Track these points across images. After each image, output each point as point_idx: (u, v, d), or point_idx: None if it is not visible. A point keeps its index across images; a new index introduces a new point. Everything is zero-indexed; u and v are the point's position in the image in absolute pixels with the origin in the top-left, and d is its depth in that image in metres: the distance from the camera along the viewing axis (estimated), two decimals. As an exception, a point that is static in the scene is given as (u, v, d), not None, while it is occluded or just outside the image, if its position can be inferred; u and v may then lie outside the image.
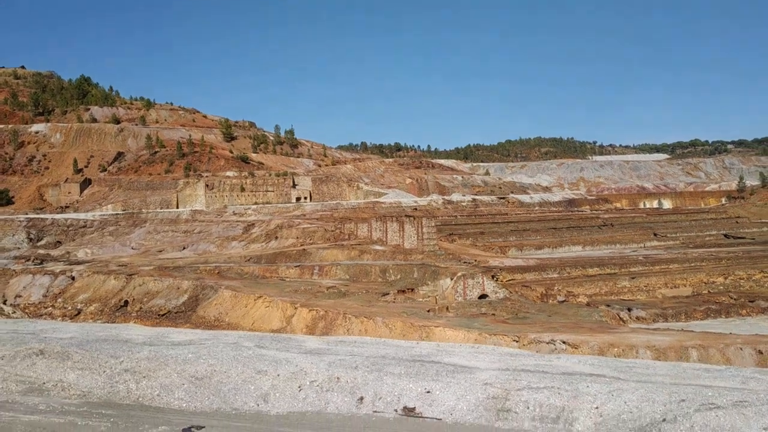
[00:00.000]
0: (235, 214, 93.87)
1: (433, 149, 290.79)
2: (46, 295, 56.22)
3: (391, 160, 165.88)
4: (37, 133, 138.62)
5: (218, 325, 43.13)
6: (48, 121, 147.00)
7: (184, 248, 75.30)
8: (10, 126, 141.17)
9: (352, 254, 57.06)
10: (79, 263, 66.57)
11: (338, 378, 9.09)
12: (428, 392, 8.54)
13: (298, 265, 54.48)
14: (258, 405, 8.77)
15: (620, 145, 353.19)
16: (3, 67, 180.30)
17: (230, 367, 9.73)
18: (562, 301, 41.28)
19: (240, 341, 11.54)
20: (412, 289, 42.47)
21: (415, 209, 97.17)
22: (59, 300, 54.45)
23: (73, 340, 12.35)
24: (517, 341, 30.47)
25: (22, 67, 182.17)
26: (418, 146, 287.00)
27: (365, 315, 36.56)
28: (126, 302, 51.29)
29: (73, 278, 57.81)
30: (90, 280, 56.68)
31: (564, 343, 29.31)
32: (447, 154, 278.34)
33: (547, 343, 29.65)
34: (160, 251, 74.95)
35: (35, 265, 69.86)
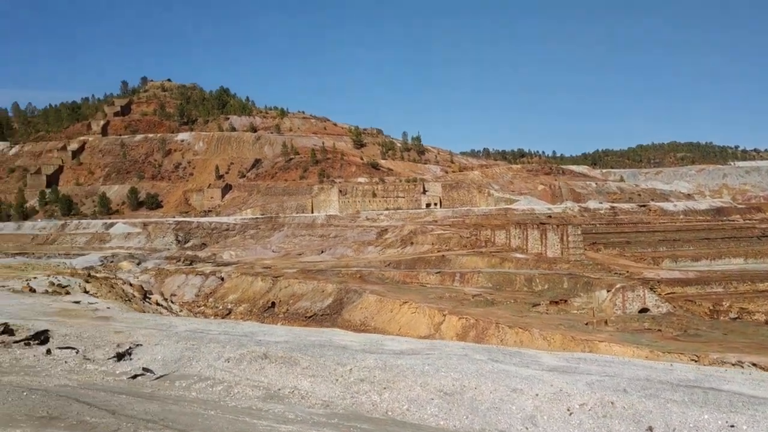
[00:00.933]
0: (368, 219, 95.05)
1: (558, 155, 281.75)
2: (198, 294, 59.21)
3: (518, 166, 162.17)
4: (182, 141, 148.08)
5: (365, 329, 43.20)
6: (192, 130, 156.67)
7: (322, 252, 76.98)
8: (158, 135, 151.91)
9: (493, 262, 55.64)
10: (225, 265, 69.79)
11: (612, 402, 8.06)
12: (732, 426, 7.32)
13: (439, 272, 53.79)
14: (527, 428, 7.92)
15: (766, 150, 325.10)
16: (152, 81, 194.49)
17: (479, 382, 8.98)
18: (735, 318, 37.72)
19: (469, 353, 10.80)
20: (565, 301, 40.48)
21: (550, 216, 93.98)
22: (210, 299, 57.10)
23: (289, 344, 12.14)
24: (696, 360, 27.92)
25: (169, 80, 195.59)
26: (543, 152, 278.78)
27: (519, 325, 35.12)
28: (273, 303, 52.86)
29: (222, 279, 60.50)
30: (238, 281, 59.04)
31: (754, 365, 26.45)
32: (574, 160, 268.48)
33: (734, 364, 26.90)
34: (300, 254, 77.09)
35: (185, 265, 74.05)
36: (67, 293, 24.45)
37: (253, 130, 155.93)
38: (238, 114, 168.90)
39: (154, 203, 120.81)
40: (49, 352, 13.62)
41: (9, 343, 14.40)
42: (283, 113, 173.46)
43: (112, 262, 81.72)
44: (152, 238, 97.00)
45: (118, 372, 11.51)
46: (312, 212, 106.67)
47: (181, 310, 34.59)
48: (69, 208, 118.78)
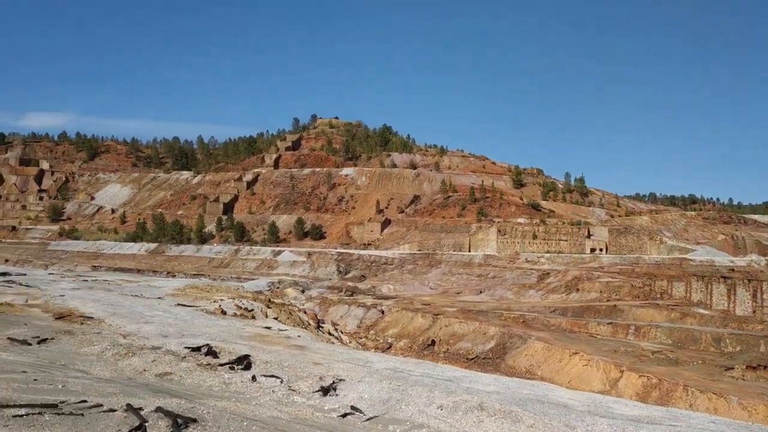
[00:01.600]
0: (527, 261, 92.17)
1: (735, 202, 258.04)
2: (359, 325, 60.04)
3: (693, 213, 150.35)
4: (346, 176, 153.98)
5: (530, 377, 41.11)
6: (356, 165, 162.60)
7: (480, 292, 75.49)
8: (324, 169, 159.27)
9: (672, 316, 51.16)
10: (384, 298, 70.44)
11: None
12: None
13: (610, 323, 50.33)
14: None
15: None
16: (321, 118, 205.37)
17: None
18: None
19: (725, 429, 9.24)
20: (765, 366, 35.90)
21: (732, 270, 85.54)
22: (371, 332, 57.60)
23: (502, 396, 11.20)
24: None
25: (336, 117, 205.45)
26: (717, 198, 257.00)
27: (712, 391, 31.49)
28: (433, 341, 52.18)
29: (382, 312, 60.96)
30: (398, 315, 59.14)
31: None
32: (753, 209, 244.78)
33: None
34: (458, 293, 76.10)
35: (347, 296, 75.81)
36: (253, 317, 25.36)
37: (413, 167, 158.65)
38: (399, 151, 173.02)
39: (318, 234, 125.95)
40: (254, 378, 13.71)
41: (215, 365, 14.77)
42: (442, 151, 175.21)
43: (278, 288, 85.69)
44: (315, 268, 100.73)
45: (326, 408, 11.18)
46: (469, 251, 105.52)
47: (350, 342, 34.83)
48: (242, 234, 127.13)
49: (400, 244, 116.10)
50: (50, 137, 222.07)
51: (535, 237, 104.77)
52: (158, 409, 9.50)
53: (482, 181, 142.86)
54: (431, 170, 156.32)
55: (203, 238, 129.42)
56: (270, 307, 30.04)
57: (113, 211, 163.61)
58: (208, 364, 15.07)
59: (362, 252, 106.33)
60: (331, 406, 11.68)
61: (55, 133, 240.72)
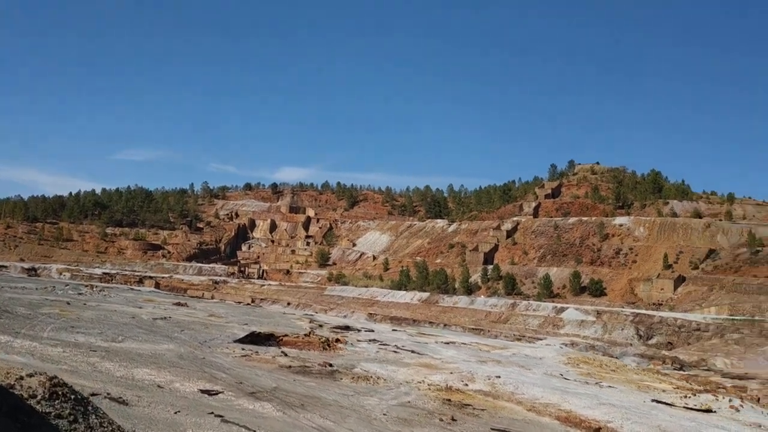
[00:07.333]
0: None
1: None
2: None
3: None
4: (620, 226, 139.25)
5: None
6: (628, 214, 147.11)
7: None
8: (593, 218, 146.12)
9: None
10: (737, 377, 56.59)
11: None
12: None
13: None
14: None
15: None
16: (580, 164, 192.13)
17: None
18: None
19: None
20: None
21: None
22: None
23: None
24: None
25: (597, 163, 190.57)
26: None
27: None
28: None
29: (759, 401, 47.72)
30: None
31: None
32: None
33: None
34: (837, 378, 59.18)
35: (674, 369, 63.10)
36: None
37: (698, 216, 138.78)
38: (677, 198, 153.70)
39: (597, 290, 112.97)
40: None
41: None
42: (731, 199, 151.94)
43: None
44: (609, 329, 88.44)
45: None
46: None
47: None
48: (512, 287, 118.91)
49: (703, 306, 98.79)
50: (314, 186, 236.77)
51: None
52: None
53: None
54: (721, 220, 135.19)
55: (469, 289, 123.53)
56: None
57: (374, 257, 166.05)
58: None
59: (664, 314, 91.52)
60: None
61: (316, 182, 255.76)
